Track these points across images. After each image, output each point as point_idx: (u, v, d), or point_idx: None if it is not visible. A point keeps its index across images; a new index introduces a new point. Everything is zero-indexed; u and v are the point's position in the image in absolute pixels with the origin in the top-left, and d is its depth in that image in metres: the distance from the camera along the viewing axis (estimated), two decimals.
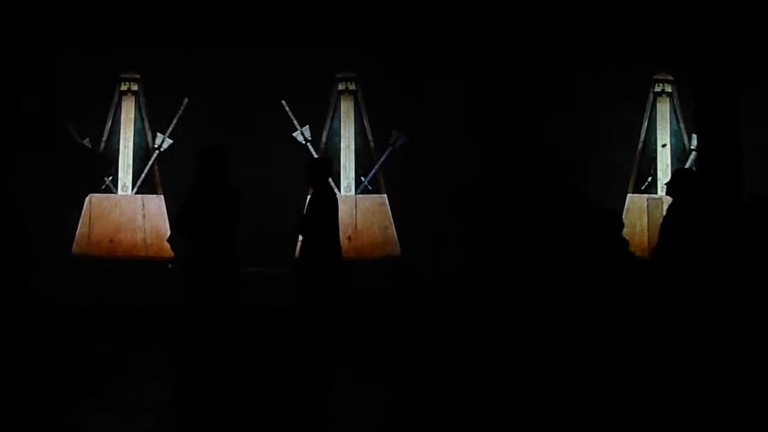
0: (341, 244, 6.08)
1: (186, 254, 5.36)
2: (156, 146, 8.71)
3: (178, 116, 8.69)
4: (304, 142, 8.70)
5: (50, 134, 8.52)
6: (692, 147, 8.63)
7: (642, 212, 8.55)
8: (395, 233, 8.62)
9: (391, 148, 8.71)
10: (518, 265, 5.14)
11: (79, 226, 8.52)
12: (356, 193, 8.64)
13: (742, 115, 7.15)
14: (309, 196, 6.17)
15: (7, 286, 5.85)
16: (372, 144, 8.77)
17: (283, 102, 8.69)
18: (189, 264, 5.35)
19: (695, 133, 8.16)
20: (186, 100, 8.65)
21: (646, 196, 8.66)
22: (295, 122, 8.72)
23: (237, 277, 5.42)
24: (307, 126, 8.72)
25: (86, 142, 8.66)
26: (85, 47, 8.35)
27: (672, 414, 4.41)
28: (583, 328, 4.62)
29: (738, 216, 5.57)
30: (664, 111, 8.83)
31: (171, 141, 8.71)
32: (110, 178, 8.68)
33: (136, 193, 8.69)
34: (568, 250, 4.92)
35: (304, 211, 6.06)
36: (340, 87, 8.83)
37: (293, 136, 8.72)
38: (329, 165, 6.36)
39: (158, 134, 8.74)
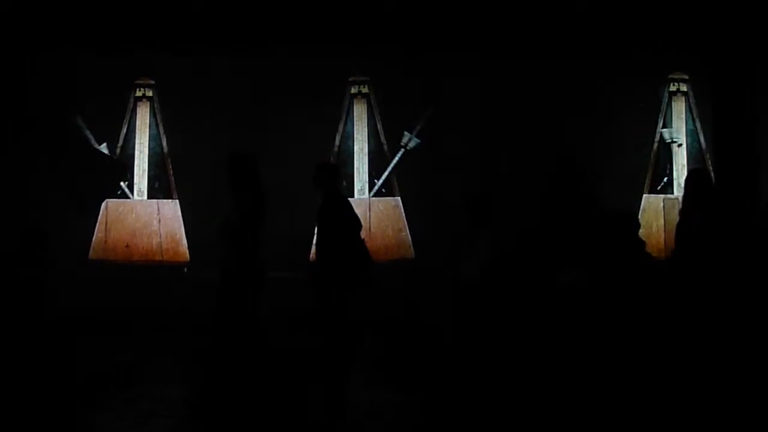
0: (358, 247, 6.05)
1: (228, 261, 5.34)
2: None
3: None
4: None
5: (66, 140, 8.59)
6: (674, 140, 8.57)
7: (658, 212, 8.48)
8: (409, 236, 8.60)
9: (403, 150, 8.69)
10: (535, 271, 5.13)
11: (95, 232, 8.58)
12: (370, 195, 8.63)
13: (758, 116, 7.09)
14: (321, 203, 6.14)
15: (29, 294, 5.90)
16: (385, 147, 8.76)
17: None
18: (232, 271, 5.33)
19: (711, 134, 8.12)
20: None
21: (662, 196, 8.59)
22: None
23: (263, 282, 5.44)
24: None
25: (104, 147, 8.70)
26: (101, 54, 8.41)
27: (688, 416, 4.38)
28: (601, 330, 4.60)
29: (756, 222, 5.53)
30: (679, 110, 8.76)
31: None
32: (126, 183, 8.74)
33: (151, 198, 8.74)
34: (585, 257, 4.90)
35: (316, 220, 6.05)
36: (353, 90, 8.83)
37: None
38: (335, 170, 6.33)
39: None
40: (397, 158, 8.67)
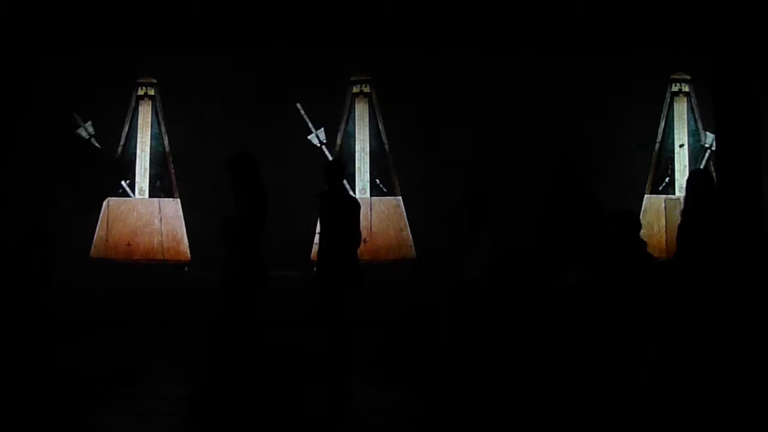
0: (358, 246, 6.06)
1: (231, 261, 5.35)
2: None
3: None
4: (319, 144, 8.71)
5: (68, 139, 8.60)
6: (706, 144, 8.57)
7: (659, 213, 8.48)
8: (410, 235, 8.60)
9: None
10: (536, 272, 5.13)
11: (96, 230, 8.59)
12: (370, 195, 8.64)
13: (761, 115, 7.07)
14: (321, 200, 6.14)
15: (33, 289, 5.92)
16: (387, 146, 8.77)
17: (299, 105, 8.69)
18: (235, 271, 5.34)
19: (714, 134, 8.10)
20: None
21: (663, 196, 8.58)
22: (310, 125, 8.73)
23: (265, 281, 5.44)
24: (322, 129, 8.73)
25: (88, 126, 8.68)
26: (103, 53, 8.42)
27: (691, 413, 4.38)
28: (603, 330, 4.60)
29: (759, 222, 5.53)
30: (681, 111, 8.75)
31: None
32: (127, 182, 8.75)
33: (153, 196, 8.75)
34: (586, 258, 4.89)
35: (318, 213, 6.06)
36: (355, 90, 8.83)
37: (308, 139, 8.73)
38: (341, 167, 6.34)
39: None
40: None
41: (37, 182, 8.39)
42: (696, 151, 8.70)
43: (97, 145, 8.71)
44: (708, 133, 8.59)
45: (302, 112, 8.70)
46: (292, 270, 7.52)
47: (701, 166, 8.50)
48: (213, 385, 5.35)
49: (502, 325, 5.12)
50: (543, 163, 5.84)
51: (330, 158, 8.58)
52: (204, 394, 5.37)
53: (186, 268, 8.63)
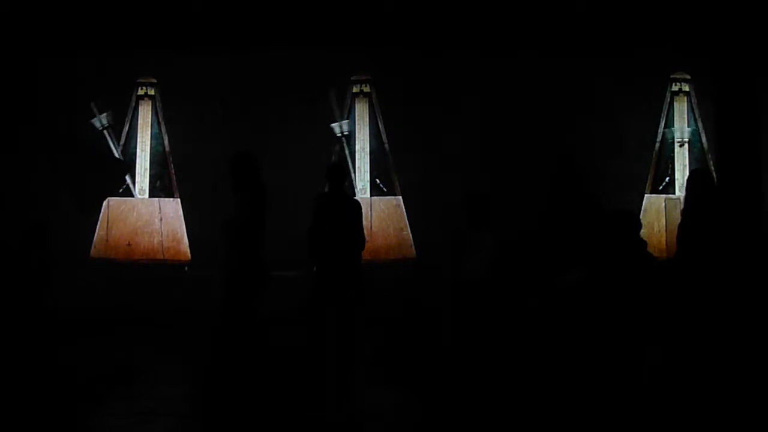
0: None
1: (231, 261, 5.34)
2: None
3: None
4: (339, 135, 8.65)
5: (69, 138, 8.60)
6: (683, 139, 8.58)
7: (660, 212, 8.48)
8: (410, 235, 8.60)
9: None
10: (536, 271, 5.13)
11: (97, 230, 8.60)
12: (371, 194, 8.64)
13: (761, 115, 7.08)
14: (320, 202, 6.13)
15: (33, 289, 5.93)
16: (387, 146, 8.77)
17: (330, 92, 8.62)
18: (235, 271, 5.34)
19: (714, 134, 8.11)
20: None
21: (663, 196, 8.58)
22: (336, 114, 8.67)
23: (265, 281, 5.44)
24: (347, 121, 8.69)
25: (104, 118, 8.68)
26: (103, 53, 8.42)
27: (691, 413, 4.38)
28: (603, 330, 4.60)
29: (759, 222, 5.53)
30: (681, 110, 8.75)
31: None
32: (128, 181, 8.75)
33: (153, 196, 8.75)
34: (586, 258, 4.89)
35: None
36: (355, 90, 8.83)
37: (331, 127, 8.67)
38: (342, 168, 6.34)
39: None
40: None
41: (37, 182, 8.39)
42: (696, 150, 8.70)
43: (109, 137, 8.71)
44: (679, 126, 8.61)
45: (332, 98, 8.61)
46: (292, 270, 7.51)
47: (677, 156, 8.54)
48: (213, 385, 5.35)
49: (502, 326, 5.12)
50: (543, 163, 5.83)
51: (347, 152, 8.59)
52: (204, 394, 5.37)
53: (186, 268, 8.63)
